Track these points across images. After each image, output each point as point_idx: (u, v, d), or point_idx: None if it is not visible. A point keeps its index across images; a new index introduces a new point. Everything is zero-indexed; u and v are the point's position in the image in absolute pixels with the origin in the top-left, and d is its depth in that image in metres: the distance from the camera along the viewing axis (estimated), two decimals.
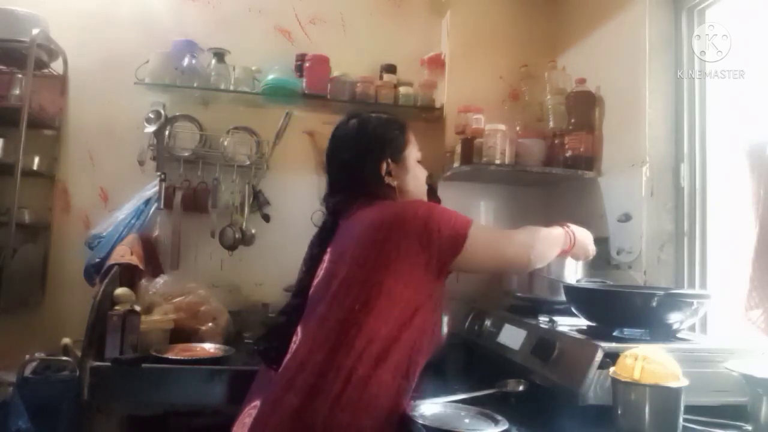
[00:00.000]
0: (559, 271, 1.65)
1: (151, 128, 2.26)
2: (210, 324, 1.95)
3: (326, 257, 1.30)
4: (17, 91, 2.20)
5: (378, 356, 1.11)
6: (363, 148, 1.33)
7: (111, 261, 1.98)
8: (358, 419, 1.07)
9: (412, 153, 1.38)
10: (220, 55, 2.30)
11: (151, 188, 2.29)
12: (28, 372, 1.84)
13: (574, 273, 1.68)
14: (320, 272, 1.29)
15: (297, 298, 1.33)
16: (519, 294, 1.83)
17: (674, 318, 1.27)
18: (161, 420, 1.74)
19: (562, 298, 1.56)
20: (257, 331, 1.77)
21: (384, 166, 1.32)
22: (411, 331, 1.15)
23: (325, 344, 1.13)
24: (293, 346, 1.21)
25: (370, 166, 1.32)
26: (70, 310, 2.17)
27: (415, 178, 1.38)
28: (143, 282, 2.01)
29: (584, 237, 1.42)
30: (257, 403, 1.19)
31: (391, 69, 2.43)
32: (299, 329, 1.24)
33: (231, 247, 2.29)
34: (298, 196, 2.36)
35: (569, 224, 1.39)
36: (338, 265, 1.23)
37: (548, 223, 1.43)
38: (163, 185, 2.26)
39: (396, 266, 1.16)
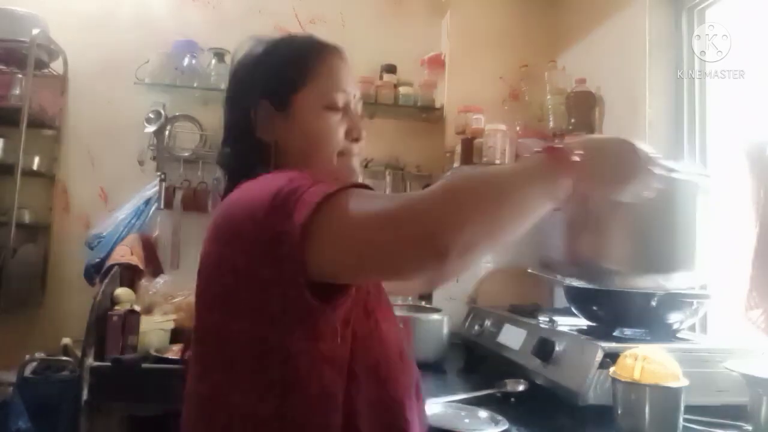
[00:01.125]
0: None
1: (151, 128, 2.26)
2: None
3: None
4: (17, 91, 2.20)
5: None
6: (233, 89, 0.92)
7: (111, 261, 1.99)
8: None
9: (317, 95, 0.87)
10: (220, 55, 2.30)
11: (151, 188, 2.30)
12: (28, 372, 1.84)
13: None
14: None
15: None
16: None
17: (674, 318, 1.27)
18: (161, 420, 1.73)
19: None
20: None
21: (255, 114, 0.86)
22: (304, 404, 0.71)
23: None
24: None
25: (236, 115, 0.89)
26: (70, 310, 2.17)
27: (308, 132, 0.86)
28: (143, 282, 2.01)
29: (602, 149, 0.80)
30: None
31: (391, 69, 2.43)
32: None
33: None
34: None
35: (559, 141, 0.82)
36: (195, 304, 0.82)
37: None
38: (163, 185, 2.26)
39: (246, 299, 0.71)
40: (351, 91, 0.90)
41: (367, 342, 0.77)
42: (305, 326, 0.71)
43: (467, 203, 0.62)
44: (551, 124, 2.14)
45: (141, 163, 2.29)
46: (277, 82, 0.87)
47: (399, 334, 0.85)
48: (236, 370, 0.73)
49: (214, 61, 2.30)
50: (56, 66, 2.35)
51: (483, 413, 1.18)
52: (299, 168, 0.80)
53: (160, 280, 2.04)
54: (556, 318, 1.45)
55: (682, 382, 1.01)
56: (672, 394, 1.01)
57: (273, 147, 0.86)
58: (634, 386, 1.02)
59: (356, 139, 0.89)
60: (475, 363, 1.82)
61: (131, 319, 1.75)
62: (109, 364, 1.67)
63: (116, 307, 1.81)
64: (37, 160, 2.27)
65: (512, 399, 1.34)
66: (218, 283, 0.75)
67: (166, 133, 2.29)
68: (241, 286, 0.72)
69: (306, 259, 0.65)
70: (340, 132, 0.87)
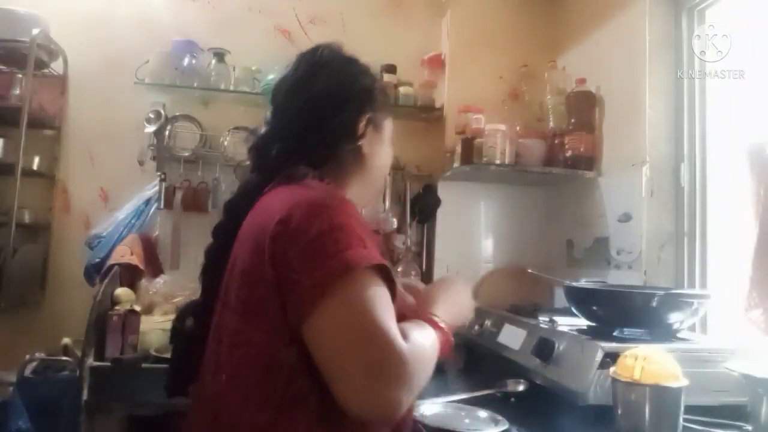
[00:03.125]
0: None
1: (151, 128, 2.26)
2: None
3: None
4: (17, 91, 2.20)
5: None
6: (348, 85, 0.96)
7: (111, 261, 1.99)
8: None
9: (391, 128, 1.03)
10: (220, 55, 2.30)
11: (151, 188, 2.30)
12: (28, 372, 1.84)
13: None
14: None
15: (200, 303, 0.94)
16: None
17: (674, 318, 1.27)
18: (161, 420, 1.73)
19: None
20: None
21: (363, 122, 0.95)
22: (311, 422, 0.75)
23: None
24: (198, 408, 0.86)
25: (350, 114, 0.93)
26: (70, 310, 2.16)
27: (386, 157, 1.02)
28: (143, 282, 2.01)
29: (460, 317, 0.96)
30: None
31: (391, 69, 2.42)
32: (201, 383, 0.86)
33: None
34: None
35: (436, 313, 0.87)
36: (221, 299, 0.86)
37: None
38: (163, 185, 2.26)
39: (270, 310, 0.76)
40: None
41: None
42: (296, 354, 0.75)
43: (423, 378, 0.75)
44: (551, 124, 2.14)
45: (141, 163, 2.29)
46: (381, 104, 0.97)
47: None
48: (243, 375, 0.77)
49: (214, 61, 2.30)
50: (56, 66, 2.35)
51: (483, 413, 1.19)
52: (364, 184, 0.96)
53: (160, 280, 2.05)
54: (556, 318, 1.45)
55: (682, 382, 1.01)
56: (672, 394, 1.01)
57: (364, 158, 0.95)
58: (634, 386, 1.02)
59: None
60: (475, 363, 1.82)
61: (131, 319, 1.75)
62: (109, 364, 1.67)
63: (116, 307, 1.81)
64: (37, 160, 2.26)
65: (512, 399, 1.34)
66: (247, 290, 0.79)
67: (166, 133, 2.29)
68: (269, 298, 0.75)
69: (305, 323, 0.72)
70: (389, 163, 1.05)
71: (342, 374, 0.70)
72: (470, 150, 2.08)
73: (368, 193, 1.01)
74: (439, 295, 0.92)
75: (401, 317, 0.78)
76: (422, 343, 0.77)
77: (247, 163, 0.98)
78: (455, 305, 0.92)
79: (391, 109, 1.04)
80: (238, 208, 0.91)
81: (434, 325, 0.84)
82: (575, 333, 1.33)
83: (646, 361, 1.02)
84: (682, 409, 1.02)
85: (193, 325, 0.92)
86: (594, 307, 1.38)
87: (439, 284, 0.98)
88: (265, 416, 0.74)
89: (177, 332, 0.96)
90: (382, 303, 0.72)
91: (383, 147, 1.00)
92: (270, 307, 0.75)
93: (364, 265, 0.72)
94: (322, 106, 0.92)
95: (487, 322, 1.78)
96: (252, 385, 0.76)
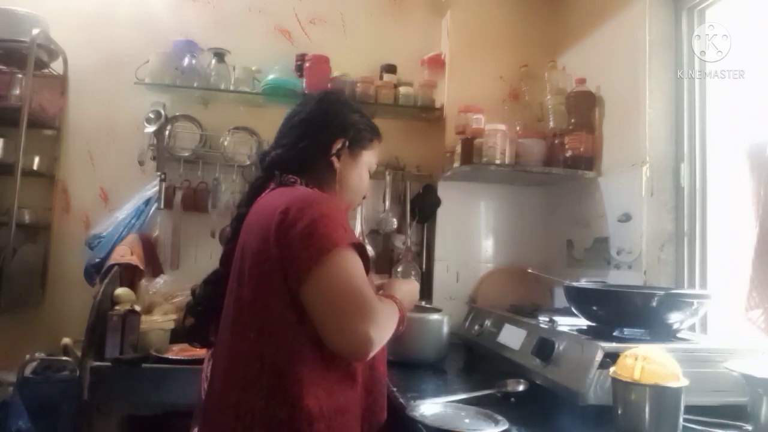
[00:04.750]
0: None
1: (151, 128, 2.26)
2: None
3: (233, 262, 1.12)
4: (17, 91, 2.20)
5: (293, 396, 0.95)
6: (331, 116, 1.20)
7: (111, 261, 1.99)
8: None
9: (370, 159, 1.26)
10: (220, 55, 2.30)
11: (151, 188, 2.30)
12: (28, 372, 1.84)
13: None
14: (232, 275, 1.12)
15: (216, 274, 1.19)
16: None
17: (674, 318, 1.27)
18: (161, 420, 1.73)
19: None
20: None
21: (338, 144, 1.18)
22: (312, 366, 0.98)
23: (237, 382, 1.00)
24: (208, 378, 1.12)
25: (326, 136, 1.18)
26: (70, 310, 2.17)
27: (359, 178, 1.23)
28: (143, 282, 2.02)
29: (411, 301, 1.24)
30: None
31: (391, 69, 2.43)
32: (212, 357, 1.14)
33: None
34: None
35: (395, 294, 1.15)
36: (236, 279, 1.07)
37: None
38: (163, 185, 2.26)
39: (275, 281, 0.98)
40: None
41: None
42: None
43: (388, 331, 1.00)
44: (551, 124, 2.14)
45: (141, 163, 2.29)
46: (359, 137, 1.22)
47: None
48: (267, 332, 0.99)
49: (214, 61, 2.30)
50: (56, 66, 2.35)
51: (483, 413, 1.18)
52: (339, 193, 1.18)
53: (160, 280, 2.05)
54: (556, 318, 1.45)
55: (682, 382, 1.01)
56: (672, 394, 1.01)
57: (336, 172, 1.18)
58: (634, 386, 1.02)
59: (364, 197, 1.30)
60: (475, 363, 1.82)
61: (131, 319, 1.75)
62: (109, 364, 1.67)
63: (116, 307, 1.81)
64: (37, 160, 2.26)
65: (512, 399, 1.34)
66: (257, 262, 1.01)
67: (166, 133, 2.29)
68: (274, 272, 0.97)
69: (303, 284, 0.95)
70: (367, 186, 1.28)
71: (329, 319, 0.93)
72: (470, 150, 2.08)
73: (341, 202, 1.21)
74: (397, 285, 1.21)
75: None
76: (385, 303, 1.06)
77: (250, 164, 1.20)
78: (408, 292, 1.20)
79: (374, 145, 1.26)
80: (247, 201, 1.17)
81: (394, 299, 1.12)
82: (575, 333, 1.33)
83: (646, 361, 1.02)
84: (682, 409, 1.02)
85: (213, 289, 1.16)
86: (594, 307, 1.38)
87: (397, 280, 1.30)
88: (279, 357, 0.97)
89: (206, 286, 1.19)
90: (357, 270, 0.97)
91: (356, 169, 1.22)
92: (275, 278, 0.98)
93: (345, 243, 0.96)
94: (306, 127, 1.18)
95: (487, 322, 1.78)
96: (266, 336, 0.99)
